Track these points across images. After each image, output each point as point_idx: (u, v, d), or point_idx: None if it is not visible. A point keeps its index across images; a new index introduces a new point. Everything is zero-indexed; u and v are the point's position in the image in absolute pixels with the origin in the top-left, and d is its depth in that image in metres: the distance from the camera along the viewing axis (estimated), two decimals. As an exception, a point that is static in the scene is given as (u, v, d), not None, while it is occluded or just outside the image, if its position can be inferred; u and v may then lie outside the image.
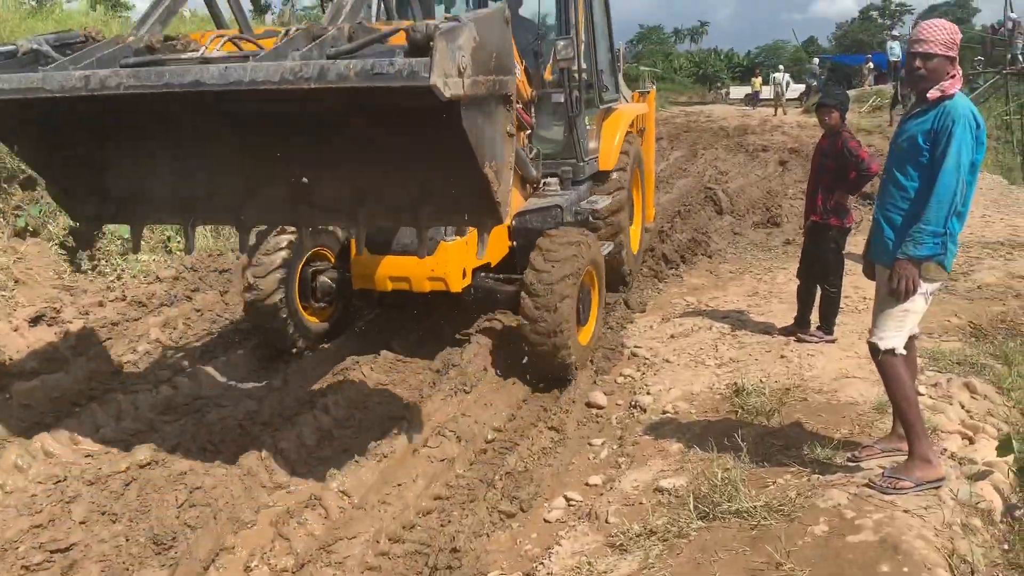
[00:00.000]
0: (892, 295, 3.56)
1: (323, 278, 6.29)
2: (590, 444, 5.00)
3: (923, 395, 4.84)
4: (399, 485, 4.43)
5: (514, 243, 6.33)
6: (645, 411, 5.25)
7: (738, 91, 45.12)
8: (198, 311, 7.14)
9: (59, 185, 4.35)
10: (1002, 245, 9.53)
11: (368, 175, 3.83)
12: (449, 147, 3.20)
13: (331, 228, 6.38)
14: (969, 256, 8.86)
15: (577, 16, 6.64)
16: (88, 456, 4.59)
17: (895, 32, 39.41)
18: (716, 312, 7.22)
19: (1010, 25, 24.50)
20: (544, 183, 6.59)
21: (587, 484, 4.51)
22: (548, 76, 6.85)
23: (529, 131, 6.29)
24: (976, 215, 11.26)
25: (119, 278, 7.26)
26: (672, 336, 6.70)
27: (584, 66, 6.76)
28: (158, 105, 3.45)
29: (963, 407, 4.78)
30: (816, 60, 36.98)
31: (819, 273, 6.28)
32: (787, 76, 33.10)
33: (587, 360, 6.12)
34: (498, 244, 6.17)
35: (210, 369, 5.91)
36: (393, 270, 5.75)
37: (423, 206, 3.74)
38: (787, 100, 31.59)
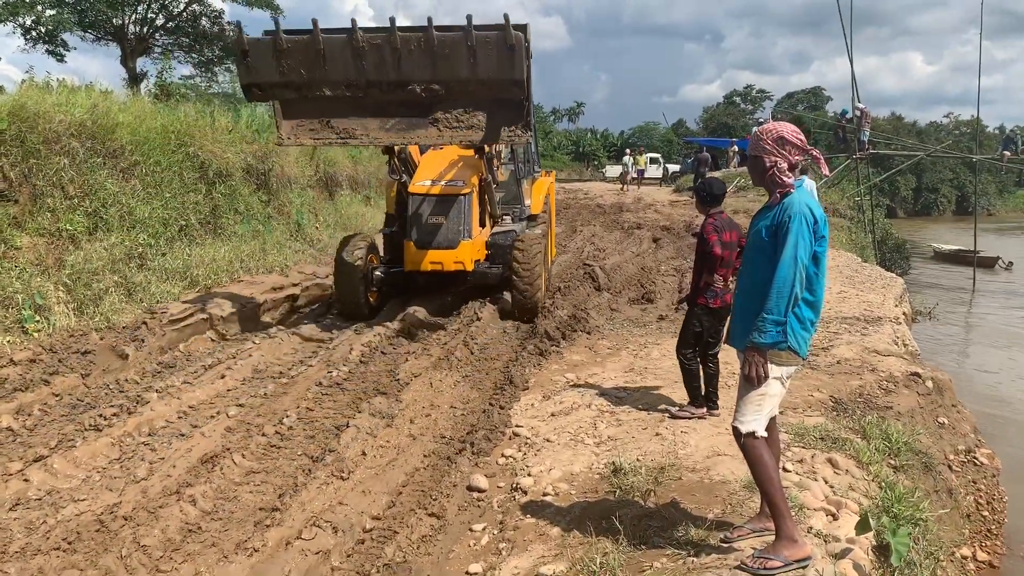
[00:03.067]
0: (747, 381, 3.73)
1: (377, 273, 10.12)
2: (471, 530, 4.93)
3: (789, 471, 5.05)
4: (271, 582, 4.24)
5: (489, 251, 10.29)
6: (526, 493, 5.24)
7: (614, 169, 47.14)
8: (57, 396, 6.73)
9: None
10: (858, 320, 10.15)
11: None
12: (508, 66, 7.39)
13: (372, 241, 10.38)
14: (828, 331, 9.39)
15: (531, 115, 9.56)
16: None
17: (760, 119, 42.28)
18: (595, 389, 7.34)
19: (858, 113, 26.59)
20: (502, 218, 10.95)
21: (467, 573, 4.43)
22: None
23: (496, 184, 10.57)
24: (833, 291, 11.99)
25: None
26: (553, 414, 6.76)
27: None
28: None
29: (827, 482, 4.99)
30: (705, 149, 39.50)
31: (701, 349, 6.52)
32: (630, 159, 36.49)
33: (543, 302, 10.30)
34: (481, 250, 10.14)
35: (66, 460, 5.54)
36: (433, 258, 9.60)
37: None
38: (644, 179, 34.84)
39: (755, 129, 3.94)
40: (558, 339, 9.25)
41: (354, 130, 8.36)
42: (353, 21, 7.34)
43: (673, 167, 43.83)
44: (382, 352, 8.39)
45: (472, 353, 8.33)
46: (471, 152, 10.04)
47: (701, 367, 6.50)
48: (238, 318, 9.53)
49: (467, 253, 9.62)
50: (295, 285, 11.41)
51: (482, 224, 10.34)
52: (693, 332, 6.43)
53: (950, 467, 7.06)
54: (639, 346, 9.07)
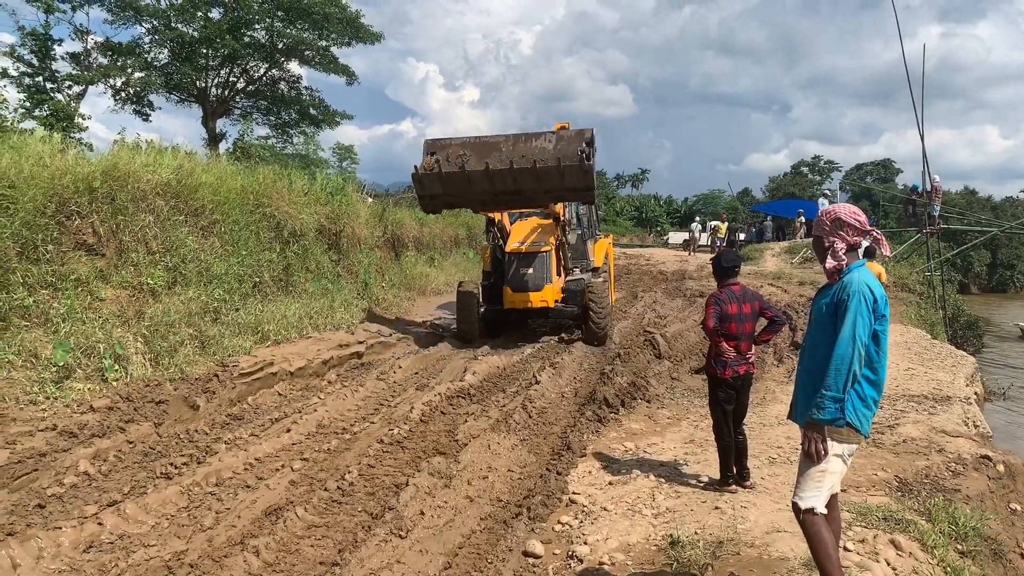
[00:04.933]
0: (806, 456, 3.74)
1: (482, 310, 13.35)
2: (526, 596, 4.95)
3: (851, 551, 4.97)
4: (329, 636, 4.31)
5: (564, 295, 13.18)
6: (582, 561, 5.24)
7: (677, 236, 47.23)
8: (131, 443, 6.99)
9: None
10: (925, 399, 9.90)
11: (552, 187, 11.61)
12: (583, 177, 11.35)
13: (478, 289, 13.65)
14: (895, 409, 9.19)
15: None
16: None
17: (826, 190, 42.26)
18: (653, 460, 7.32)
19: (930, 187, 26.21)
20: (573, 270, 13.99)
21: (521, 639, 4.44)
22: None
23: (568, 244, 13.68)
24: (901, 368, 11.74)
25: (51, 407, 7.10)
26: (610, 483, 6.75)
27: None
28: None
29: (889, 564, 4.89)
30: (769, 218, 39.83)
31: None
32: (699, 225, 36.63)
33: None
34: (559, 293, 13.11)
35: (138, 505, 5.75)
36: (525, 297, 12.79)
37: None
38: (700, 246, 34.96)
39: (820, 210, 4.05)
40: (617, 406, 9.25)
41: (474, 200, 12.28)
42: (487, 164, 11.32)
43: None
44: (442, 412, 8.51)
45: (530, 417, 8.39)
46: (549, 220, 13.50)
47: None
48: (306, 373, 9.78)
49: (550, 294, 12.94)
50: (360, 343, 11.67)
51: (559, 274, 13.39)
52: (715, 401, 6.51)
53: (1023, 556, 6.80)
54: (700, 416, 9.00)
